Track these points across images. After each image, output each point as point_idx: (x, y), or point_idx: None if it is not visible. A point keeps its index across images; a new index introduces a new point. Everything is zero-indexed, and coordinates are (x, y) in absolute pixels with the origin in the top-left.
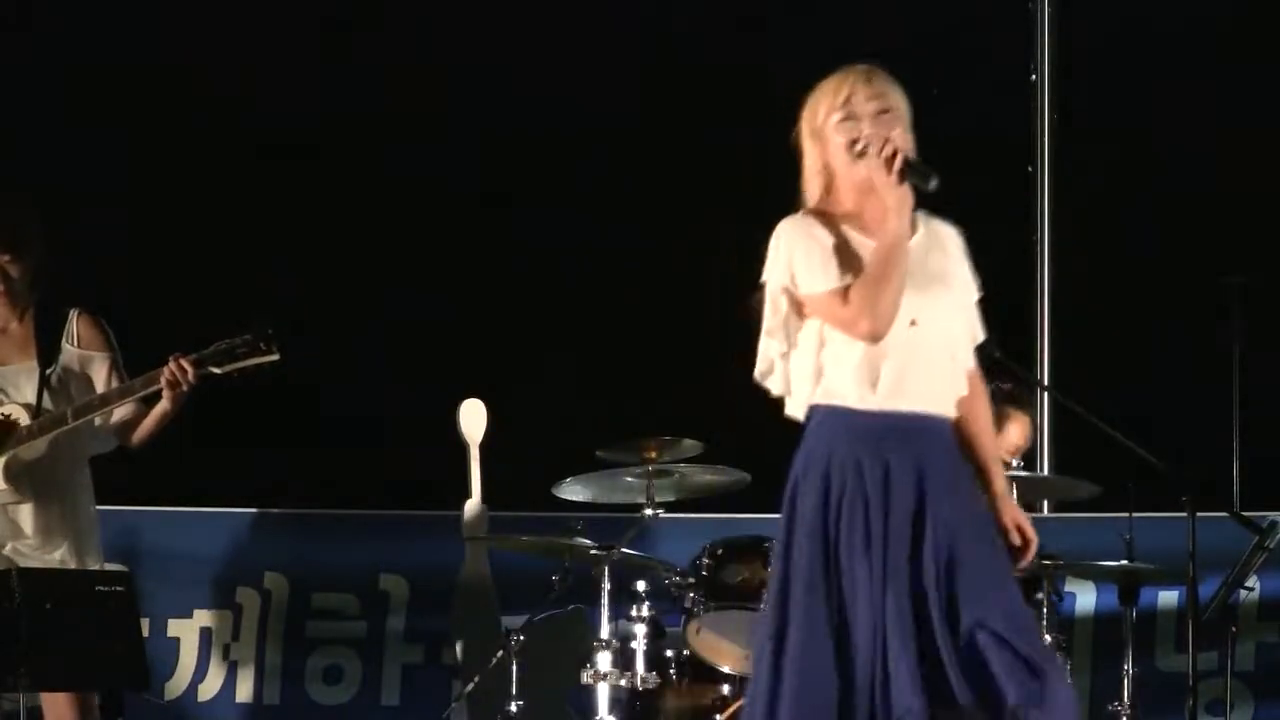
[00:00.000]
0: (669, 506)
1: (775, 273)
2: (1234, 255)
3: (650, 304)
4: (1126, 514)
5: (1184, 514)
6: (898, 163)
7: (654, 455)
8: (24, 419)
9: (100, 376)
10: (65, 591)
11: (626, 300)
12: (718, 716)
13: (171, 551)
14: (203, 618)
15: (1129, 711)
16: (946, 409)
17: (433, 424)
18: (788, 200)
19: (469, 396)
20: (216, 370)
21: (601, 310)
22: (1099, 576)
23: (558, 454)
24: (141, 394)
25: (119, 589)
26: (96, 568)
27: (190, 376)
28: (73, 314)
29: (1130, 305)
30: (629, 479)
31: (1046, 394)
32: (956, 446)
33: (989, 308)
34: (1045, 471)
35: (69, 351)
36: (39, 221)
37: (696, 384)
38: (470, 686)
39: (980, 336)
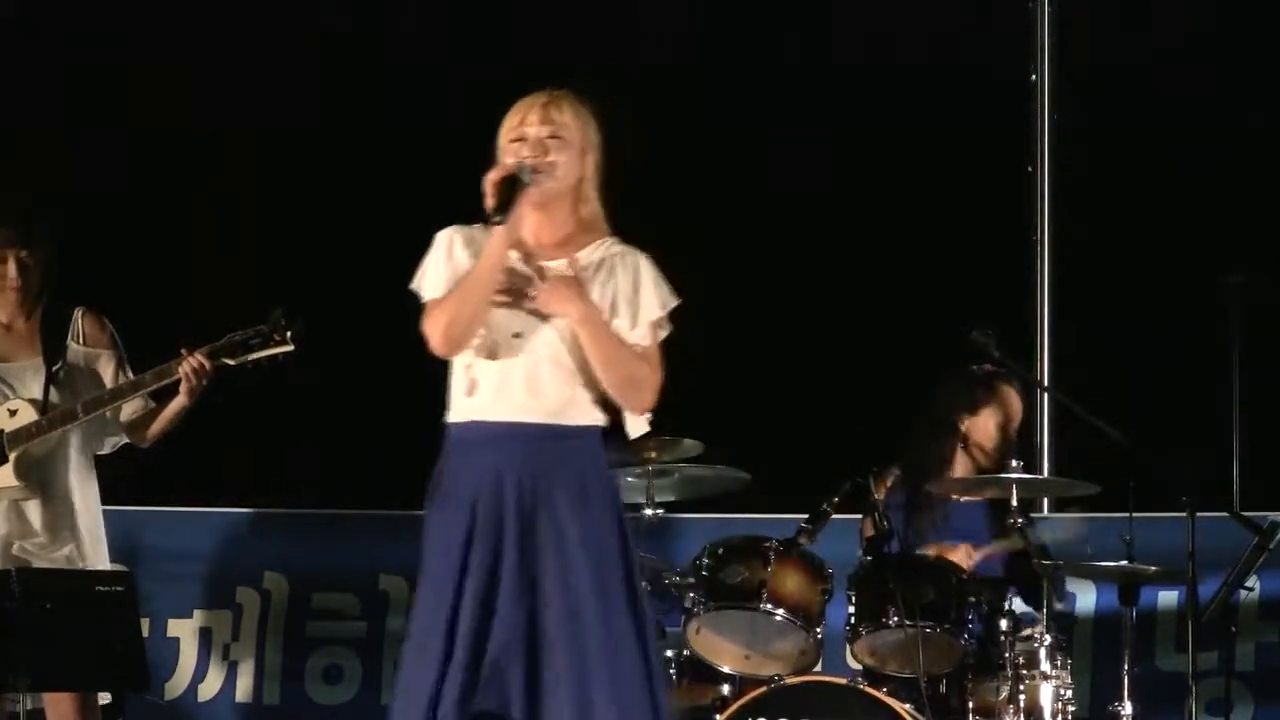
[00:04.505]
0: (669, 506)
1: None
2: (1234, 255)
3: None
4: (1126, 514)
5: (1184, 514)
6: (491, 188)
7: (654, 455)
8: (31, 415)
9: (107, 373)
10: (65, 591)
11: None
12: (718, 716)
13: (171, 551)
14: (203, 618)
15: (1129, 711)
16: (563, 419)
17: (433, 424)
18: (786, 201)
19: None
20: (230, 362)
21: None
22: (1099, 576)
23: None
24: (153, 388)
25: (119, 589)
26: (104, 566)
27: (209, 370)
28: (77, 312)
29: (1130, 305)
30: (629, 479)
31: (1046, 394)
32: (588, 457)
33: (989, 307)
34: (1045, 472)
35: (75, 349)
36: (49, 219)
37: (696, 384)
38: None
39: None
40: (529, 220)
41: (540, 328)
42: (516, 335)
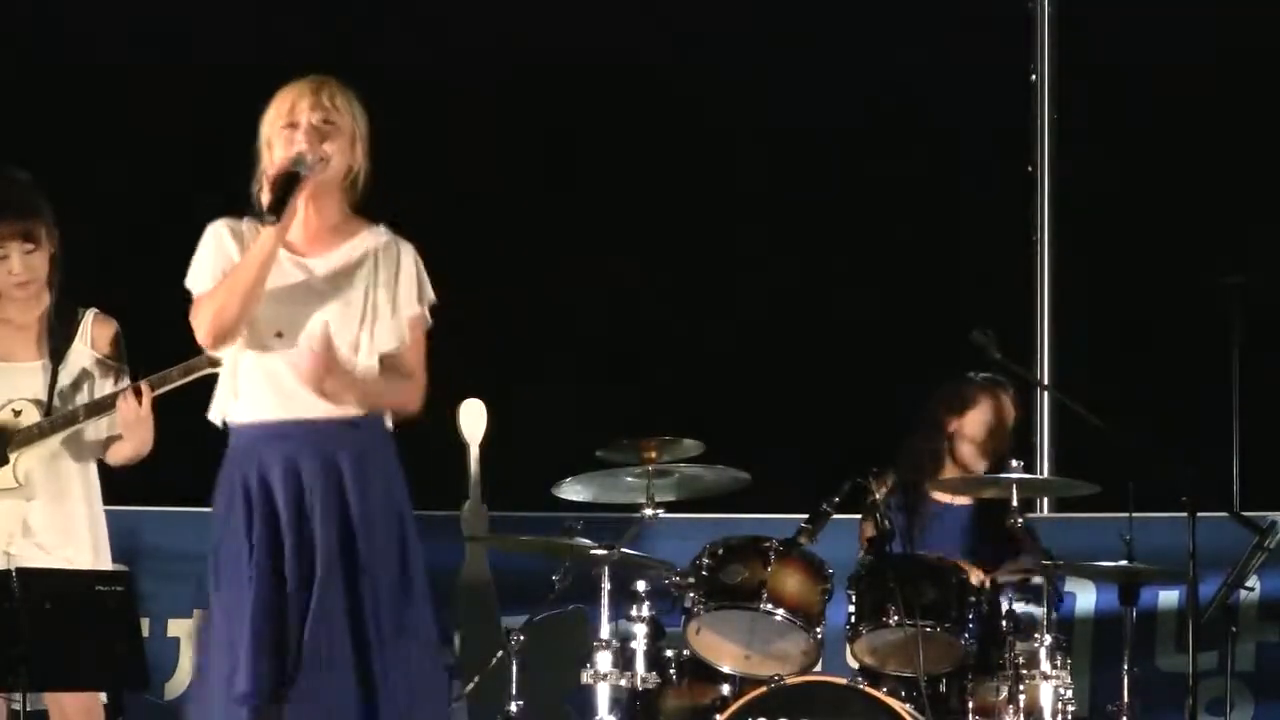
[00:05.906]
0: (669, 506)
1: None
2: (1234, 255)
3: (650, 304)
4: (1126, 514)
5: (1184, 514)
6: (270, 185)
7: (654, 455)
8: (35, 416)
9: (111, 379)
10: (65, 591)
11: (626, 300)
12: (718, 716)
13: (171, 551)
14: (202, 618)
15: (1129, 711)
16: (335, 412)
17: (433, 424)
18: (786, 201)
19: (469, 396)
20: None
21: (601, 310)
22: (1099, 576)
23: (558, 454)
24: (161, 390)
25: (119, 589)
26: (105, 567)
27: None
28: (88, 314)
29: (1130, 305)
30: (629, 479)
31: (1046, 394)
32: (368, 444)
33: (989, 307)
34: (1045, 471)
35: (81, 351)
36: (53, 215)
37: (696, 384)
38: (470, 686)
39: (396, 344)
40: (298, 210)
41: (304, 325)
42: (279, 335)
